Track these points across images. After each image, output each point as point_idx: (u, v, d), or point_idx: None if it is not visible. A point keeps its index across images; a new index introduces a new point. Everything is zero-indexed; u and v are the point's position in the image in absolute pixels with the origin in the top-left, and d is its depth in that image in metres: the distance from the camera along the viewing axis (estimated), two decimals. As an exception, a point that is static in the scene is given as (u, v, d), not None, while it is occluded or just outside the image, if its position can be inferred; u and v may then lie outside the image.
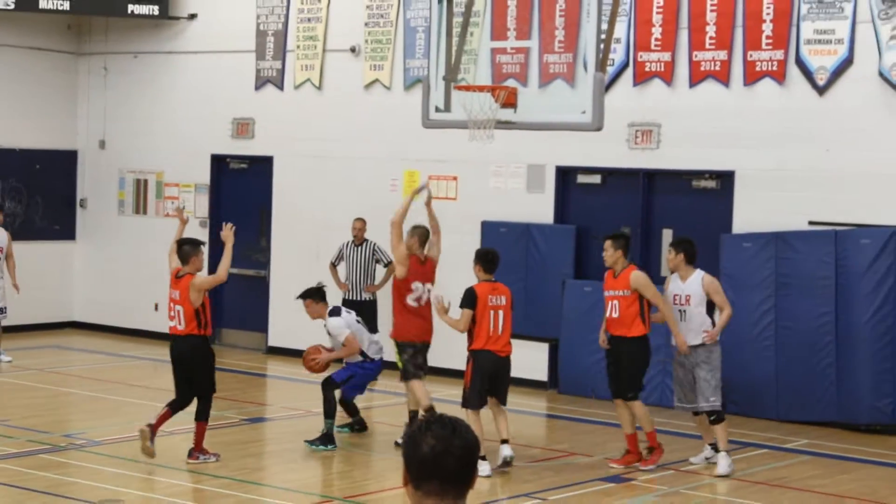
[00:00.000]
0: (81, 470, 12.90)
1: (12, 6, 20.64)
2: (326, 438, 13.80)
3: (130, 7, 21.06)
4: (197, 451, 13.18)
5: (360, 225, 17.93)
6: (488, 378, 13.14)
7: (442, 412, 4.21)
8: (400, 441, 13.57)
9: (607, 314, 13.69)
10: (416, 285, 14.00)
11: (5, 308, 18.83)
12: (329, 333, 14.22)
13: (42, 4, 20.76)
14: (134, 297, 21.58)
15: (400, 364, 13.97)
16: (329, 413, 13.86)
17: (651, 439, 13.49)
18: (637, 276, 13.56)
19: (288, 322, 19.46)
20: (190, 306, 12.92)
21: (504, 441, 13.11)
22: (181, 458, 13.36)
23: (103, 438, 14.14)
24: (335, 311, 14.23)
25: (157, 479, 12.70)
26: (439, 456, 3.98)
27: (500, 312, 13.32)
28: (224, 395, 16.69)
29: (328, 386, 13.97)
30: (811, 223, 15.99)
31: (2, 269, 18.84)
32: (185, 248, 13.30)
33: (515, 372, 13.82)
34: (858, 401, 15.48)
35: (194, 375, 13.19)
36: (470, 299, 13.26)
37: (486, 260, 13.71)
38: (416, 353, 13.94)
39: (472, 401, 13.09)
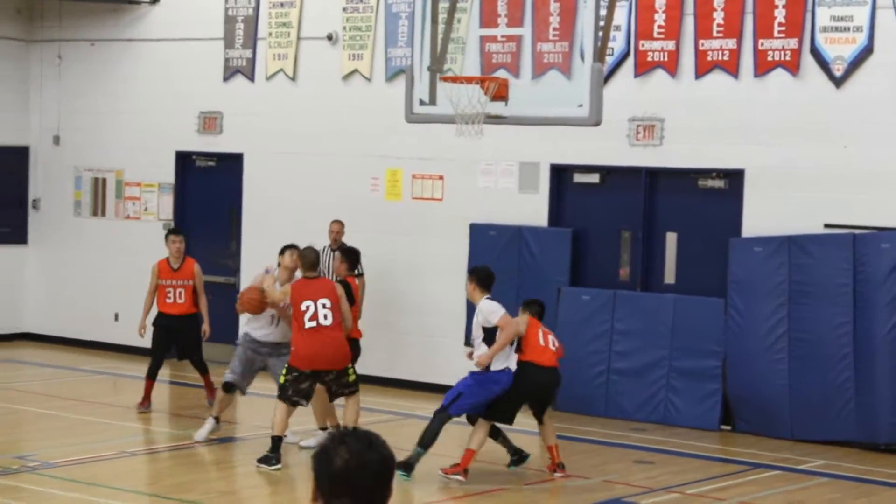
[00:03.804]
0: (34, 494, 12.86)
1: (-41, -11, 20.67)
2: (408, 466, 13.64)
3: (87, -10, 21.11)
4: None
5: (337, 228, 17.96)
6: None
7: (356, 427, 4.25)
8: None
9: None
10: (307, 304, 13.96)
11: None
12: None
13: (-9, -12, 20.79)
14: (92, 307, 21.58)
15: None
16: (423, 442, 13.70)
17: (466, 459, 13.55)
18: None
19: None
20: None
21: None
22: (151, 477, 13.36)
23: (58, 460, 14.09)
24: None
25: (119, 504, 12.72)
26: (353, 471, 4.00)
27: None
28: (190, 413, 16.74)
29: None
30: (827, 226, 16.05)
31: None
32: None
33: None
34: (879, 418, 15.54)
35: None
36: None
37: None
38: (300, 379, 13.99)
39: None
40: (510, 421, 13.82)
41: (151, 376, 16.45)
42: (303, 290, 13.93)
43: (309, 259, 14.20)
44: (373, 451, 4.04)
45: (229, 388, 14.79)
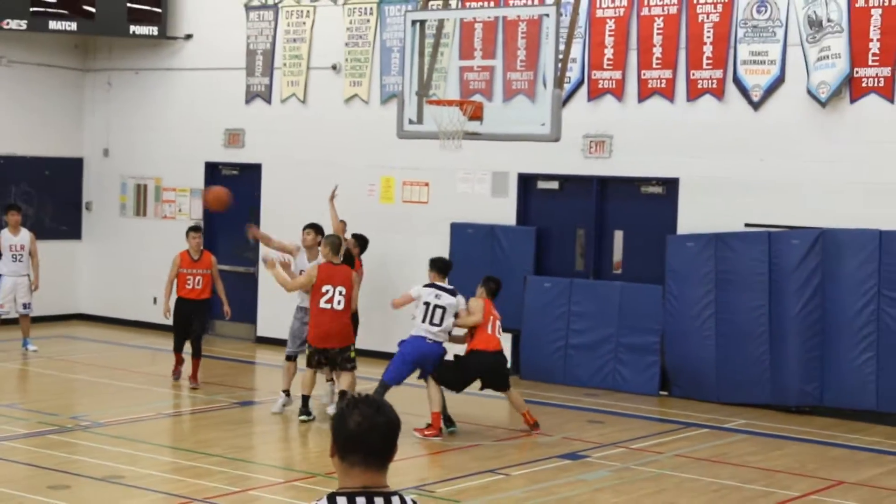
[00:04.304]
0: (86, 449, 12.82)
1: (25, 27, 20.53)
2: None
3: (132, 28, 20.97)
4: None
5: (341, 227, 17.81)
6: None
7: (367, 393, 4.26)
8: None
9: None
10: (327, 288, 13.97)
11: (29, 304, 18.77)
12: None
13: (52, 25, 20.65)
14: (134, 291, 21.52)
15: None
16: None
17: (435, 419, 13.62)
18: None
19: (274, 313, 19.43)
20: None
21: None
22: (180, 436, 13.34)
23: (106, 420, 14.06)
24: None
25: (156, 457, 12.64)
26: (364, 432, 3.99)
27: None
28: (215, 381, 16.68)
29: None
30: (747, 225, 16.05)
31: (28, 267, 18.77)
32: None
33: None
34: (789, 385, 15.55)
35: None
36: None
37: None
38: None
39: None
40: (456, 390, 13.87)
41: (178, 350, 16.36)
42: (328, 274, 13.90)
43: (336, 245, 14.18)
44: (381, 415, 4.02)
45: (290, 358, 14.72)
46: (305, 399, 14.15)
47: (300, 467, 12.40)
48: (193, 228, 16.83)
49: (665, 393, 16.56)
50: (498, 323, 13.91)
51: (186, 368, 16.35)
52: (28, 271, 18.77)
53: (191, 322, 16.28)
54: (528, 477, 12.16)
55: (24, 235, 18.82)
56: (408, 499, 4.08)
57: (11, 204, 19.52)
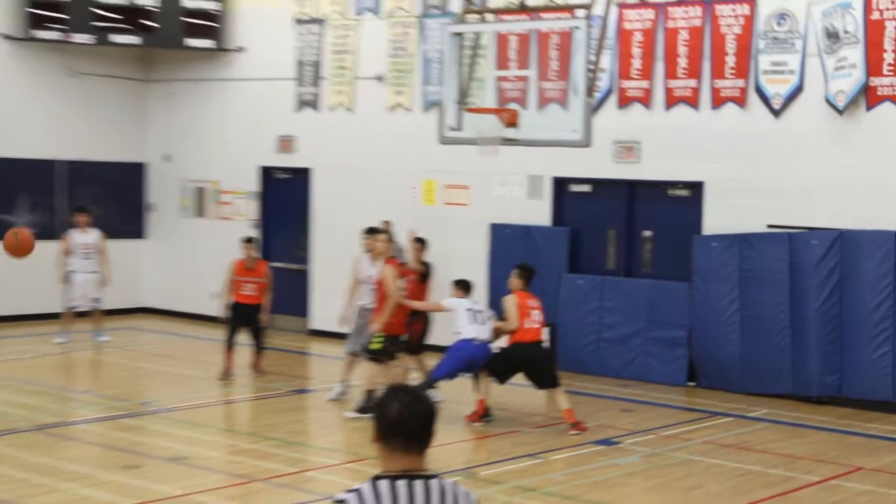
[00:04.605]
0: (154, 432, 12.94)
1: (91, 41, 20.69)
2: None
3: (190, 41, 21.10)
4: None
5: (387, 226, 17.85)
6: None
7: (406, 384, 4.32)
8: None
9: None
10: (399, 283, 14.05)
11: (99, 298, 18.94)
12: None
13: (117, 39, 20.79)
14: (194, 286, 21.64)
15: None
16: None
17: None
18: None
19: (326, 307, 19.51)
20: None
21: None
22: (242, 421, 13.44)
23: (172, 405, 14.19)
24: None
25: (218, 440, 12.75)
26: (404, 419, 4.03)
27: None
28: (273, 370, 16.77)
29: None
30: (769, 226, 15.99)
31: (97, 265, 18.91)
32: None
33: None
34: (809, 376, 15.49)
35: None
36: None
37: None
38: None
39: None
40: (500, 381, 13.85)
41: (229, 347, 16.17)
42: (399, 273, 14.02)
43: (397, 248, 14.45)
44: (419, 403, 4.07)
45: (353, 355, 14.68)
46: (369, 394, 13.96)
47: (353, 450, 12.46)
48: (246, 240, 16.59)
49: (692, 384, 16.52)
50: (535, 312, 13.73)
51: (238, 365, 16.29)
52: (97, 268, 18.92)
53: (244, 324, 16.25)
54: (565, 461, 12.19)
55: (94, 235, 18.97)
56: (447, 481, 4.08)
57: (80, 206, 19.68)
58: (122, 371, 16.81)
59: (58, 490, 10.44)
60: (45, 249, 20.68)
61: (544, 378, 13.72)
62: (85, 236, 18.87)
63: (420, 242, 16.16)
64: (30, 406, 14.05)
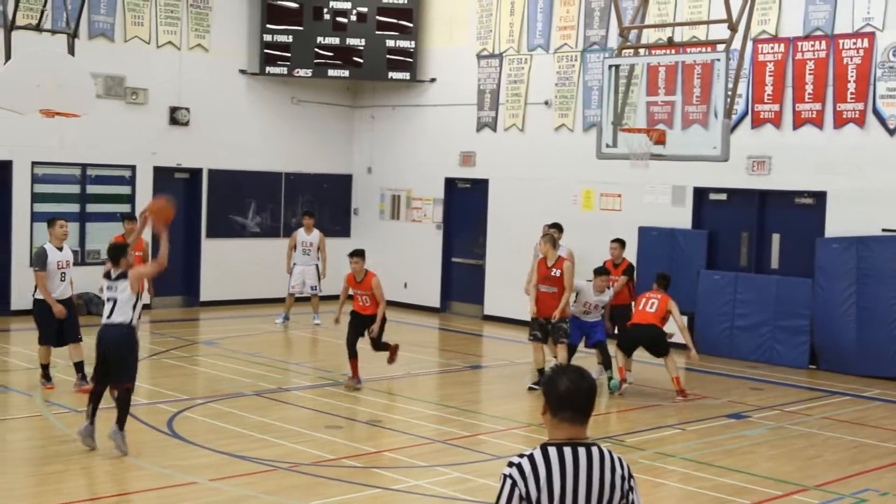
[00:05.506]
0: (353, 399, 13.15)
1: (310, 75, 21.21)
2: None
3: (390, 74, 21.44)
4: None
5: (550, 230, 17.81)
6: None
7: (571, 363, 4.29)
8: (533, 386, 13.86)
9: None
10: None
11: (316, 286, 19.36)
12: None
13: (330, 73, 21.27)
14: (390, 277, 21.73)
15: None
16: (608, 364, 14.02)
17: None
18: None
19: (499, 296, 19.62)
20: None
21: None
22: (426, 391, 13.64)
23: (368, 377, 14.32)
24: None
25: (406, 407, 12.89)
26: (573, 393, 4.01)
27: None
28: (451, 349, 16.91)
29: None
30: (884, 230, 15.50)
31: (316, 259, 19.35)
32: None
33: (665, 337, 13.81)
34: (919, 362, 14.97)
35: None
36: None
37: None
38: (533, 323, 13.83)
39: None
40: (627, 354, 13.79)
41: (352, 356, 14.05)
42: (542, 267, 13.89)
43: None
44: (584, 380, 4.06)
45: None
46: (539, 372, 13.90)
47: (520, 419, 12.50)
48: (353, 254, 14.40)
49: (813, 366, 16.10)
50: (652, 301, 13.69)
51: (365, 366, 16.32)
52: (316, 262, 19.36)
53: (359, 332, 14.25)
54: (699, 432, 12.01)
55: (315, 235, 19.39)
56: (604, 448, 4.08)
57: (308, 210, 20.13)
58: (331, 347, 17.07)
59: (274, 445, 10.73)
60: (270, 245, 21.35)
61: (659, 350, 13.65)
62: (307, 236, 19.34)
63: (619, 243, 15.69)
64: (253, 374, 14.44)
